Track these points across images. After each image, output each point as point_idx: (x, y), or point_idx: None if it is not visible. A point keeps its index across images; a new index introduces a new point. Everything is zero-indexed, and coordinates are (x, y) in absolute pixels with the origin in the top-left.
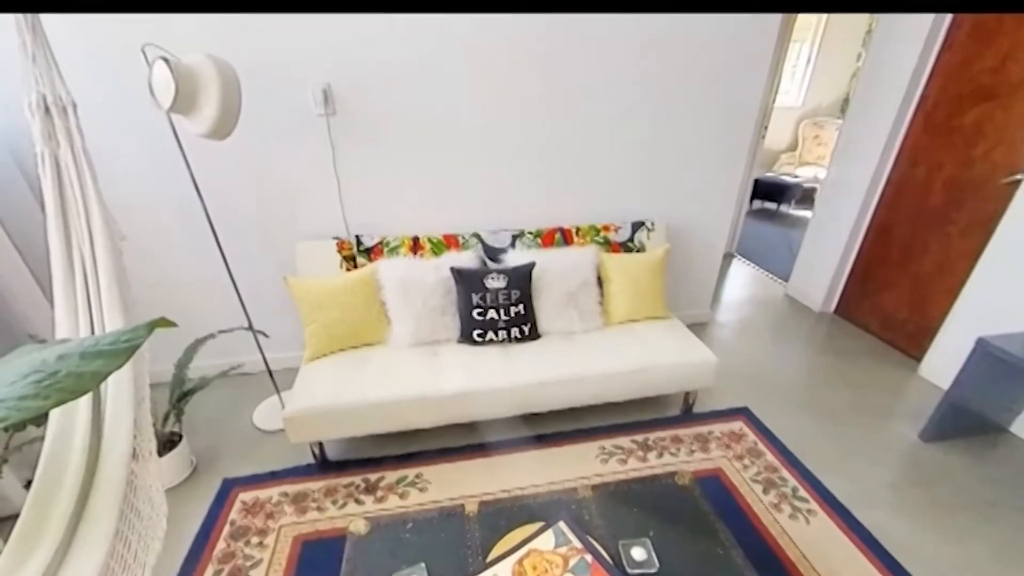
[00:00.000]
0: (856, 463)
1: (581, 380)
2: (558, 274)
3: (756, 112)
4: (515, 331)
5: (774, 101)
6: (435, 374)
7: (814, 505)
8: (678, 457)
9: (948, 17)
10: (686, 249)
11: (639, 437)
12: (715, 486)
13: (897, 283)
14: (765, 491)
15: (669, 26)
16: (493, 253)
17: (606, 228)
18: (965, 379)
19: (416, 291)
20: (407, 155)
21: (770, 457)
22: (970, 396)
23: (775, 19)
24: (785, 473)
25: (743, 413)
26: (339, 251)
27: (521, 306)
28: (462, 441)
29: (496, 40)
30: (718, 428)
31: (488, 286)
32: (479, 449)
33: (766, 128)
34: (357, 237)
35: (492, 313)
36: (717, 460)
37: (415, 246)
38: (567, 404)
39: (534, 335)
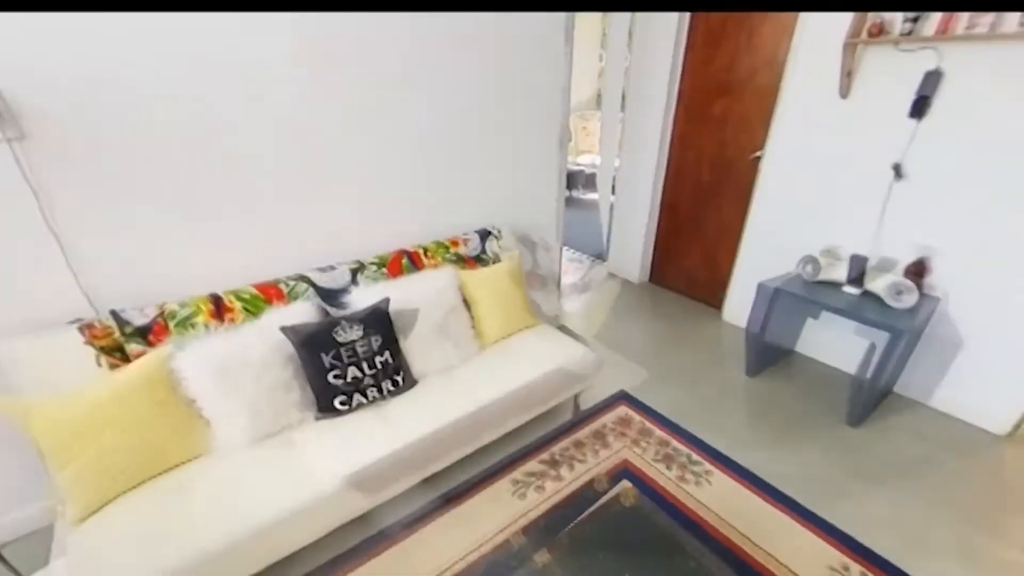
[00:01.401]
0: (715, 413)
1: (475, 418)
2: (420, 305)
3: (560, 108)
4: (387, 385)
5: None
6: (299, 471)
7: (709, 466)
8: (586, 462)
9: (686, 19)
10: (530, 248)
11: (545, 455)
12: (630, 477)
13: (691, 249)
14: (668, 467)
15: (462, 27)
16: (333, 297)
17: (454, 243)
18: (755, 316)
19: (240, 371)
20: (175, 187)
21: (659, 432)
22: (762, 329)
23: (561, 18)
24: (676, 444)
25: (622, 398)
26: (90, 341)
27: (387, 354)
28: (355, 538)
29: (280, 48)
30: (608, 419)
31: (341, 339)
32: (379, 541)
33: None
34: (115, 314)
35: (353, 371)
36: (620, 452)
37: (218, 310)
38: (468, 449)
39: (410, 383)
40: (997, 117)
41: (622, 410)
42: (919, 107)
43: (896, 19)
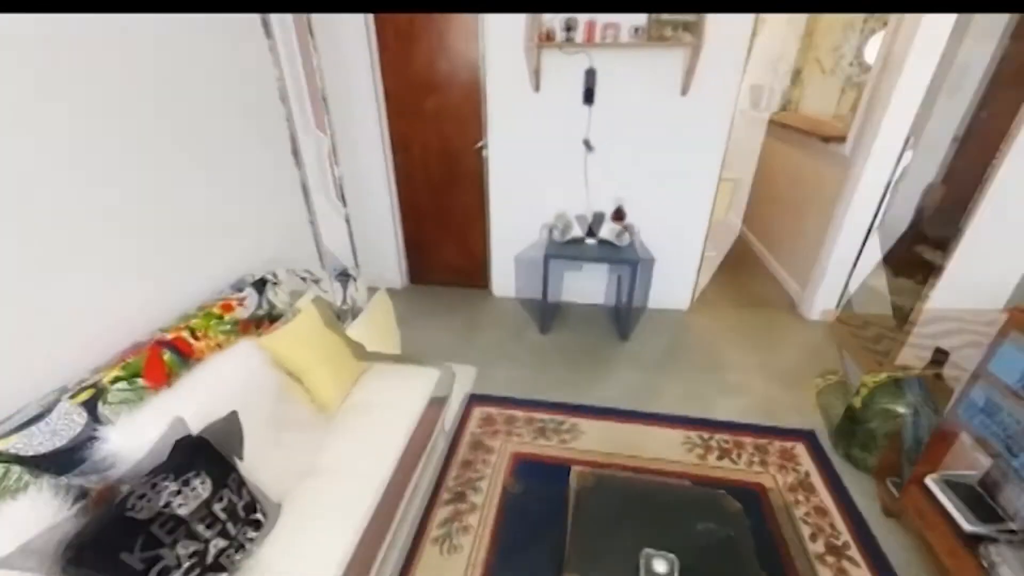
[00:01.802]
0: (542, 373)
1: (378, 516)
2: (235, 406)
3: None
4: (245, 533)
5: None
6: None
7: (572, 420)
8: (486, 476)
9: (371, 20)
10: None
11: (446, 495)
12: (527, 466)
13: (444, 241)
14: (547, 438)
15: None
16: (67, 463)
17: (226, 307)
18: (520, 284)
19: None
20: None
21: (519, 414)
22: (545, 292)
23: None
24: (538, 415)
25: (473, 400)
26: None
27: (226, 494)
28: None
29: None
30: (473, 426)
31: (144, 515)
32: None
33: None
34: None
35: (189, 546)
36: (505, 448)
37: None
38: (382, 552)
39: (273, 514)
40: (632, 99)
41: (479, 411)
42: (589, 96)
43: (557, 27)
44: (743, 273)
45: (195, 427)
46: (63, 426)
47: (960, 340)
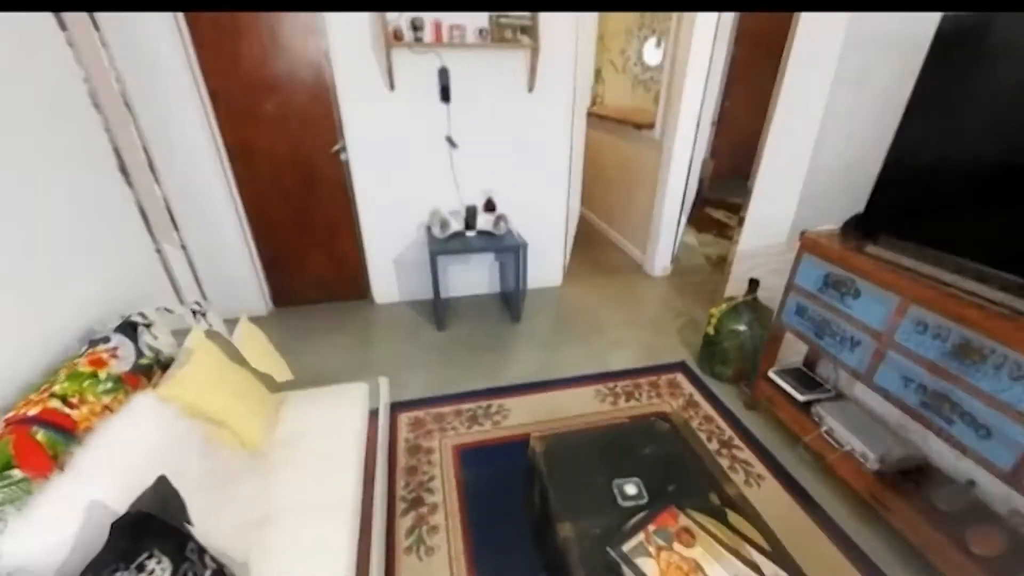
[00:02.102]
0: (454, 368)
1: (354, 540)
2: (159, 470)
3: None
4: None
5: None
6: None
7: (494, 402)
8: (434, 475)
9: (181, 17)
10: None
11: (405, 518)
12: (471, 455)
13: (310, 256)
14: (480, 423)
15: None
16: None
17: (98, 363)
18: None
19: None
20: None
21: (445, 409)
22: (437, 291)
23: None
24: (464, 406)
25: (396, 408)
26: None
27: (197, 566)
28: None
29: None
30: (405, 433)
31: None
32: None
33: None
34: None
35: None
36: (443, 444)
37: None
38: None
39: (243, 572)
40: (486, 96)
41: (405, 417)
42: (445, 94)
43: (404, 27)
44: (592, 247)
45: (119, 506)
46: None
47: (764, 270)
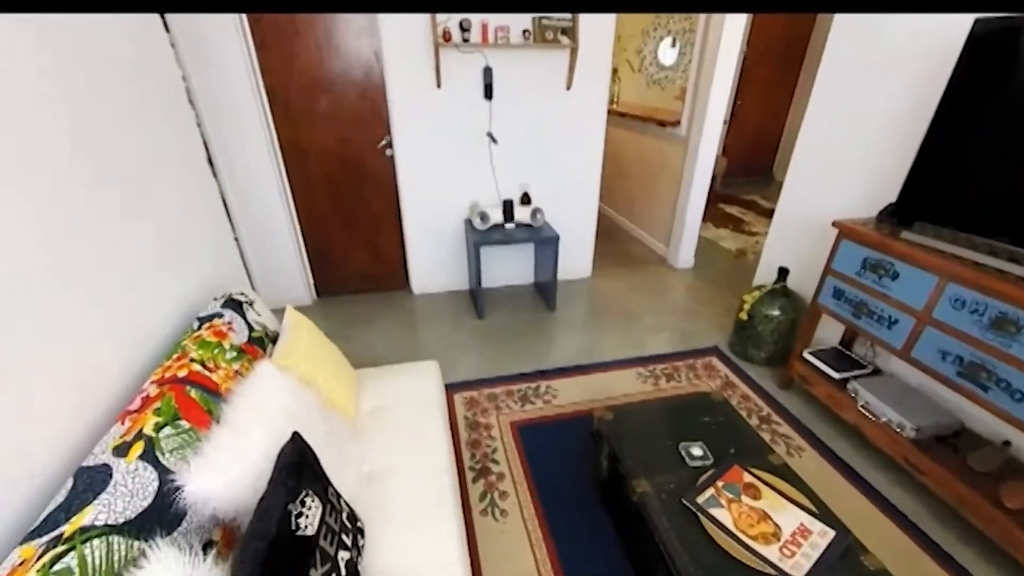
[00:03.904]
0: (500, 352)
1: (456, 499)
2: (296, 426)
3: (192, 119)
4: (357, 544)
5: None
6: None
7: (544, 383)
8: (497, 447)
9: (244, 19)
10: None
11: (476, 486)
12: (529, 431)
13: (353, 248)
14: (532, 403)
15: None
16: (175, 516)
17: (220, 334)
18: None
19: None
20: None
21: (497, 390)
22: (479, 280)
23: None
24: (516, 387)
25: (449, 388)
26: None
27: (336, 507)
28: None
29: None
30: (463, 411)
31: (308, 532)
32: None
33: None
34: None
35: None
36: (500, 421)
37: None
38: None
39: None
40: (526, 94)
41: (460, 397)
42: (488, 91)
43: (453, 28)
44: (613, 241)
45: (270, 454)
46: (137, 486)
47: (793, 259)
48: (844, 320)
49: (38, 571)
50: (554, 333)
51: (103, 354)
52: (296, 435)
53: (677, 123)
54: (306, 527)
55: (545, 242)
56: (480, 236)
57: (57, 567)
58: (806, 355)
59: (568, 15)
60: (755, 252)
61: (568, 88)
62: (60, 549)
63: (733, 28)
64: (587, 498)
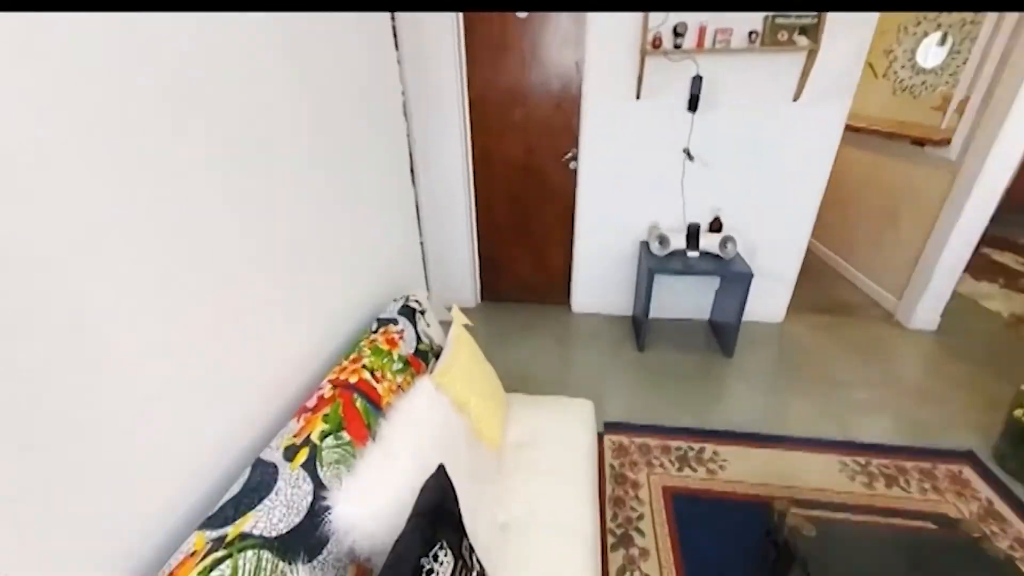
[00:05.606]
0: (659, 397)
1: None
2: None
3: (402, 128)
4: None
5: None
6: None
7: (710, 447)
8: (641, 511)
9: (462, 29)
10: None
11: (611, 538)
12: (682, 499)
13: (520, 257)
14: (692, 468)
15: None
16: (319, 541)
17: (391, 342)
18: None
19: None
20: None
21: (652, 442)
22: (646, 309)
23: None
24: (674, 443)
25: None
26: None
27: (466, 565)
28: None
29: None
30: (610, 459)
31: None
32: None
33: None
34: None
35: None
36: (652, 481)
37: None
38: None
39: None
40: (740, 105)
41: (608, 441)
42: (693, 103)
43: (667, 35)
44: (816, 279)
45: (414, 484)
46: (295, 497)
47: None
48: None
49: (199, 573)
50: (728, 385)
51: (301, 336)
52: (441, 469)
53: (946, 143)
54: None
55: (734, 278)
56: (656, 262)
57: (213, 574)
58: None
59: (811, 12)
60: None
61: (795, 99)
62: (220, 554)
63: None
64: None
